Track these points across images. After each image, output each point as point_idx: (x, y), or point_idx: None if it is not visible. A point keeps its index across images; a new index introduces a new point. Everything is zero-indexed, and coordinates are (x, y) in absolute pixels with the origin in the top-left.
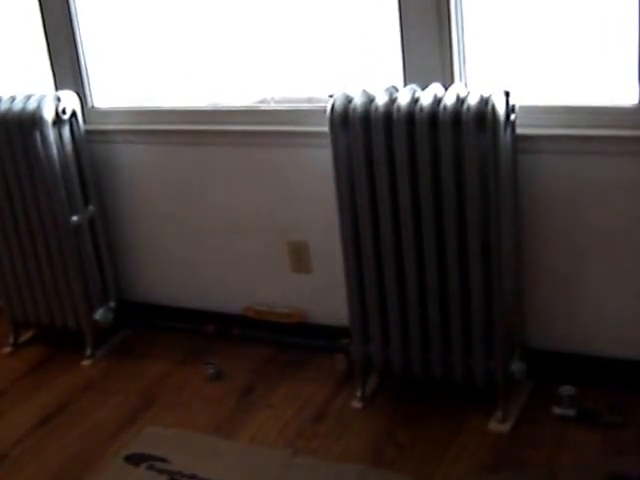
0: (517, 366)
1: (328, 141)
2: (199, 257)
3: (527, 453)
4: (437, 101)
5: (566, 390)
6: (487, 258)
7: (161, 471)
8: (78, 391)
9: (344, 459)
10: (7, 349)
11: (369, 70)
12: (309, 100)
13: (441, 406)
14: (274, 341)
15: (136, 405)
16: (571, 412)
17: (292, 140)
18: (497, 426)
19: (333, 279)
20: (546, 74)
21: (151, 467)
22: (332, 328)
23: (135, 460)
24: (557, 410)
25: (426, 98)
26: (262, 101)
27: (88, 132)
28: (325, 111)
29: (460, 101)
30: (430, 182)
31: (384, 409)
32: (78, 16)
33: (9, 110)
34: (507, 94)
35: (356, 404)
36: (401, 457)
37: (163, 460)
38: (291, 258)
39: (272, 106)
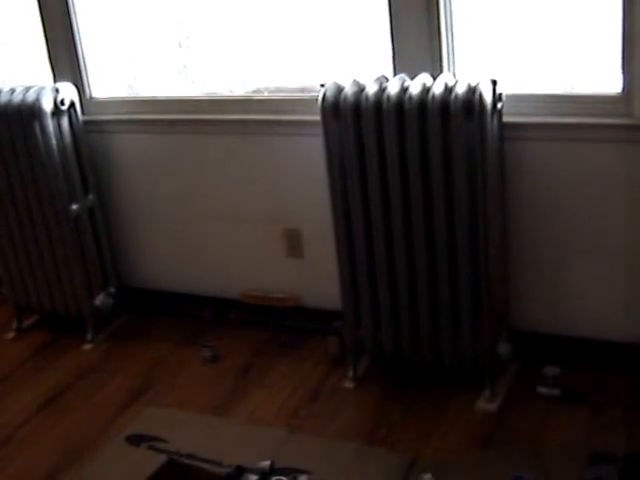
0: (503, 348)
1: (320, 130)
2: (197, 244)
3: (513, 432)
4: (426, 90)
5: (551, 370)
6: (474, 243)
7: (160, 451)
8: (79, 374)
9: (338, 437)
10: (10, 334)
11: (359, 60)
12: (302, 90)
13: (430, 386)
14: (269, 324)
15: (135, 387)
16: (556, 392)
17: (286, 129)
18: (485, 405)
19: (326, 264)
20: (532, 63)
21: (151, 447)
22: (325, 312)
23: (135, 440)
24: (542, 390)
25: (415, 87)
26: (256, 91)
27: (86, 122)
28: (317, 100)
29: (448, 90)
30: (419, 169)
31: (375, 389)
32: (76, 8)
33: (9, 102)
34: (494, 83)
35: (348, 384)
36: (393, 435)
37: (162, 440)
38: (286, 244)
39: (266, 95)
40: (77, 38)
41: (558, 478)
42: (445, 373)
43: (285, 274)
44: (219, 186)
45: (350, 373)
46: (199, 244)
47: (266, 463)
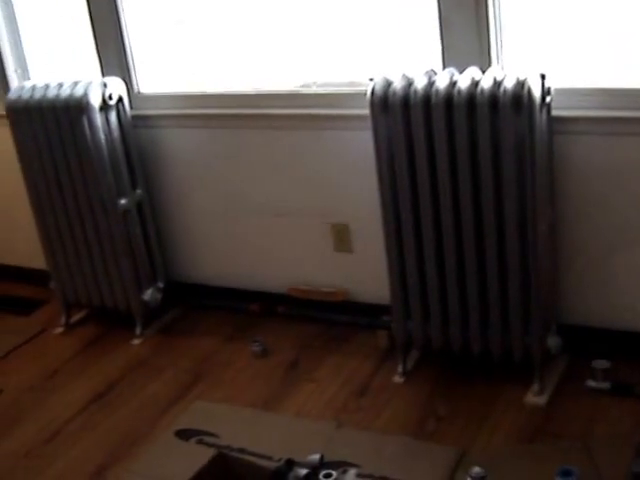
0: (553, 341)
1: (368, 124)
2: (245, 238)
3: (562, 425)
4: (474, 84)
5: (600, 364)
6: (524, 237)
7: (210, 445)
8: (128, 369)
9: (387, 431)
10: (59, 329)
11: (407, 54)
12: (350, 84)
13: (479, 380)
14: (318, 319)
15: (185, 381)
16: (605, 385)
17: (334, 123)
18: (533, 399)
19: (375, 259)
20: (582, 56)
21: (200, 441)
22: (374, 306)
23: (185, 435)
24: (591, 383)
25: (464, 81)
26: (304, 85)
27: (134, 117)
28: (364, 94)
29: (497, 84)
30: (468, 163)
31: (424, 383)
32: (123, 3)
33: (57, 96)
34: (543, 77)
35: (397, 379)
36: (441, 429)
37: (212, 434)
38: (334, 238)
39: (314, 90)
40: (125, 32)
41: (606, 471)
42: (494, 367)
43: (333, 269)
44: (267, 181)
45: (399, 368)
46: (247, 239)
47: (316, 457)
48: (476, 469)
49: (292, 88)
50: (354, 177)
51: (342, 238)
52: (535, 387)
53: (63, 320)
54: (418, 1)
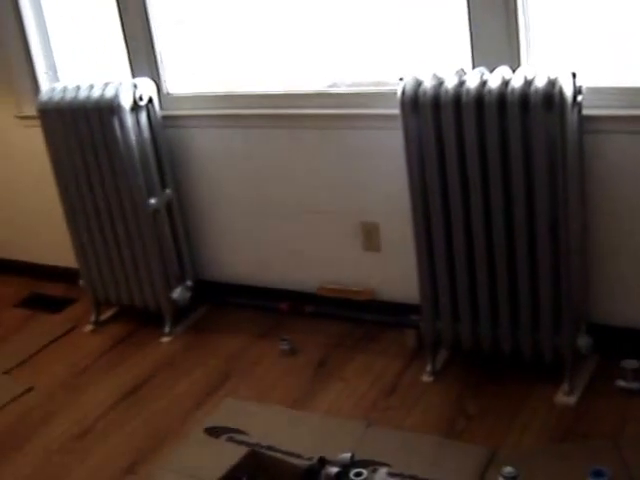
0: (583, 341)
1: (397, 123)
2: (273, 237)
3: (592, 425)
4: (505, 83)
5: (630, 364)
6: (554, 236)
7: (240, 442)
8: (158, 366)
9: (417, 430)
10: (89, 327)
11: (436, 53)
12: (377, 83)
13: (509, 379)
14: (346, 318)
15: (214, 379)
16: (635, 385)
17: (362, 122)
18: (563, 399)
19: (404, 258)
20: (612, 55)
21: (230, 439)
22: (402, 305)
23: (215, 432)
24: (621, 383)
25: (494, 80)
26: (332, 85)
27: (164, 117)
28: (394, 94)
29: (528, 83)
30: (499, 163)
31: (454, 383)
32: (152, 4)
33: (88, 98)
34: (574, 75)
35: (426, 378)
36: (471, 428)
37: (242, 432)
38: (363, 238)
39: (343, 89)
40: (154, 34)
41: (637, 471)
42: (524, 366)
43: (362, 268)
44: (295, 180)
45: (428, 367)
46: (276, 238)
47: (346, 455)
48: (508, 468)
49: (320, 88)
50: (382, 176)
51: (371, 237)
52: (565, 387)
53: (93, 318)
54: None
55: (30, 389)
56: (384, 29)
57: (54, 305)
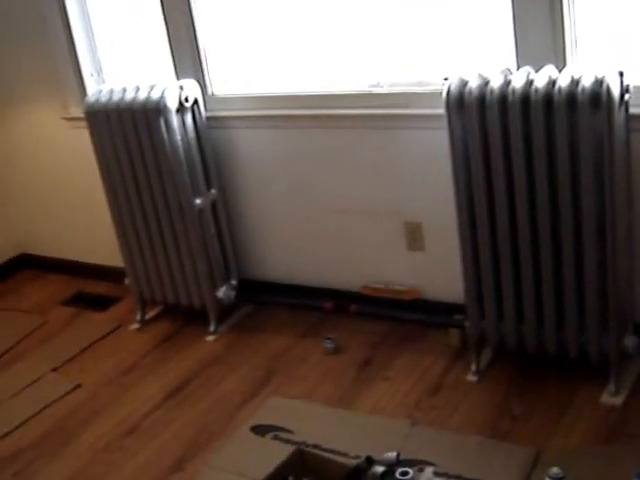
0: (629, 341)
1: (439, 123)
2: (317, 237)
3: (639, 425)
4: (552, 83)
5: None
6: (601, 236)
7: (286, 441)
8: (203, 365)
9: (462, 430)
10: (135, 325)
11: (479, 53)
12: (419, 83)
13: (554, 379)
14: (390, 317)
15: (259, 378)
16: None
17: (404, 123)
18: (609, 399)
19: (448, 257)
20: None
21: (276, 437)
22: (446, 304)
23: (260, 430)
24: None
25: (541, 80)
26: (374, 85)
27: (209, 118)
28: (437, 94)
29: (575, 82)
30: (545, 162)
31: (498, 382)
32: (197, 6)
33: (134, 99)
34: (621, 74)
35: (471, 377)
36: (516, 429)
37: (287, 430)
38: (407, 237)
39: (385, 89)
40: (198, 36)
41: None
42: (569, 366)
43: (405, 267)
44: (339, 180)
45: (472, 366)
46: (319, 237)
47: (392, 454)
48: (554, 469)
49: (362, 88)
50: (425, 176)
51: (415, 237)
52: (611, 387)
53: (138, 316)
54: None
55: (78, 386)
56: (427, 29)
57: (100, 303)
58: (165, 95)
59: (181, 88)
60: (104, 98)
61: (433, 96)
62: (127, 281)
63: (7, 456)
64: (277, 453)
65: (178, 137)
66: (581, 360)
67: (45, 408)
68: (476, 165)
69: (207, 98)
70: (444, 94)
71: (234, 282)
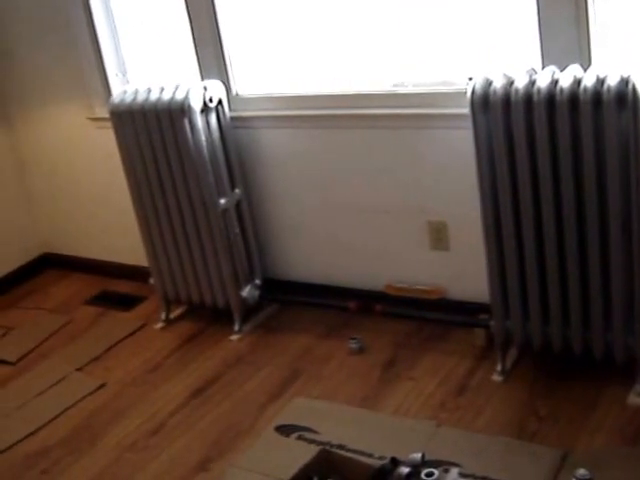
0: None
1: (463, 123)
2: (341, 237)
3: None
4: (577, 82)
5: None
6: (627, 235)
7: (311, 441)
8: (228, 364)
9: (487, 431)
10: (159, 325)
11: (503, 53)
12: (443, 83)
13: (580, 380)
14: (414, 317)
15: (283, 377)
16: None
17: (428, 122)
18: (636, 400)
19: (472, 257)
20: None
21: (301, 437)
22: (471, 304)
23: (285, 430)
24: None
25: (566, 79)
26: (397, 85)
27: (233, 119)
28: (462, 93)
29: (600, 81)
30: (570, 162)
31: (524, 383)
32: (221, 7)
33: (159, 100)
34: None
35: (496, 378)
36: (543, 429)
37: (312, 431)
38: (431, 236)
39: (409, 89)
40: (223, 37)
41: None
42: (595, 366)
43: (430, 267)
44: (363, 179)
45: (498, 366)
46: (343, 237)
47: (417, 455)
48: (581, 471)
49: (386, 88)
50: (449, 176)
51: (439, 236)
52: (638, 388)
53: (163, 316)
54: None
55: (102, 385)
56: (451, 28)
57: (124, 303)
58: (189, 95)
59: (205, 88)
60: (129, 98)
61: (457, 96)
62: (151, 280)
63: (35, 454)
64: (302, 453)
65: (202, 137)
66: (607, 360)
67: (70, 407)
68: (501, 165)
69: (231, 98)
70: (469, 94)
71: (258, 282)
